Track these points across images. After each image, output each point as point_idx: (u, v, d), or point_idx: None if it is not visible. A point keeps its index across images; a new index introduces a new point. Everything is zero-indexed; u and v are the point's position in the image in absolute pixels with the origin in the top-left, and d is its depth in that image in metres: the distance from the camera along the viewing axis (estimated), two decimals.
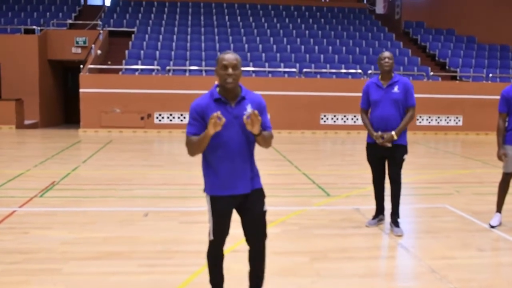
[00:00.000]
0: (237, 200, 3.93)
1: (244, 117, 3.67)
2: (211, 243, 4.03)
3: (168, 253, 5.63)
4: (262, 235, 4.06)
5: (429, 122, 20.16)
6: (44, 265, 5.20)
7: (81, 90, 18.68)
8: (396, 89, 6.26)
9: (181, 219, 7.00)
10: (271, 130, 3.94)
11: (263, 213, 4.01)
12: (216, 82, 3.89)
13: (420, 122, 20.01)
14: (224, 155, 3.81)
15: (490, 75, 21.49)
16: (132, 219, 6.96)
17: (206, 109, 3.77)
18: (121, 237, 6.15)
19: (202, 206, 4.10)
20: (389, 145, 6.22)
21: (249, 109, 3.79)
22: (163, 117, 19.02)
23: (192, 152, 3.84)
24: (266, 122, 3.89)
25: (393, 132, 6.19)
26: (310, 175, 10.40)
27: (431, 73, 21.03)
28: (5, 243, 5.86)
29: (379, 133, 6.29)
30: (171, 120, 19.01)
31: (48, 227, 6.53)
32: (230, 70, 3.71)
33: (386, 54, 6.32)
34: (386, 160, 6.45)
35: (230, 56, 3.75)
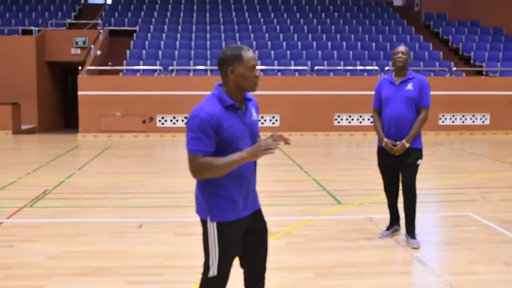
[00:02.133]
0: (248, 222, 3.53)
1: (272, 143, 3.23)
2: (212, 281, 3.46)
3: (159, 268, 5.50)
4: (264, 260, 3.72)
5: (453, 122, 19.84)
6: (26, 281, 5.14)
7: (79, 92, 18.61)
8: (409, 86, 6.04)
9: (177, 231, 6.86)
10: None
11: (266, 238, 3.71)
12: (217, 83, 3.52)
13: (443, 122, 19.70)
14: (237, 169, 3.36)
15: None
16: (124, 231, 6.84)
17: (220, 119, 3.27)
18: (111, 251, 6.04)
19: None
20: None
21: (254, 114, 3.51)
22: (166, 120, 18.90)
23: (211, 175, 3.30)
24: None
25: (404, 141, 5.97)
26: (320, 181, 10.19)
27: (454, 68, 20.72)
28: None
29: (389, 140, 6.08)
30: (174, 123, 18.87)
31: (35, 240, 6.45)
32: (258, 72, 3.36)
33: (400, 48, 6.10)
34: (399, 166, 6.21)
35: (253, 54, 3.34)
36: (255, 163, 3.52)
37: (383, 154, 6.23)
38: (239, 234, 3.47)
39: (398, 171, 6.24)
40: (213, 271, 3.44)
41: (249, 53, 3.33)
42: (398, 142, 5.99)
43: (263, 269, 3.72)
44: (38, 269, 5.43)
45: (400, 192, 6.33)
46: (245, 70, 3.31)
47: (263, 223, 3.66)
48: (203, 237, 3.48)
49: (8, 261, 5.66)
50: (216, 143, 3.29)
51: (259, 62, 20.16)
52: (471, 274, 5.35)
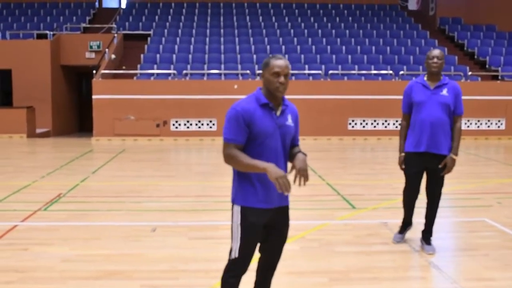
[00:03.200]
0: (268, 215, 3.80)
1: (292, 174, 3.67)
2: (233, 263, 3.78)
3: (174, 272, 5.50)
4: (281, 252, 3.99)
5: (468, 126, 19.70)
6: (41, 285, 5.16)
7: (94, 96, 18.68)
8: (445, 92, 5.95)
9: (191, 235, 6.86)
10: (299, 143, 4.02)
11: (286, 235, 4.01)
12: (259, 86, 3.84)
13: None
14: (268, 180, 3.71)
15: None
16: (138, 235, 6.86)
17: (254, 115, 3.69)
18: (125, 255, 6.06)
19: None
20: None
21: (289, 119, 3.85)
22: (179, 124, 18.92)
23: (234, 166, 3.73)
24: (297, 137, 4.00)
25: (452, 155, 5.91)
26: (334, 186, 10.17)
27: (470, 73, 20.58)
28: (2, 260, 5.82)
29: (402, 156, 6.10)
30: (188, 127, 18.90)
31: (49, 243, 6.49)
32: (282, 79, 3.69)
33: (435, 52, 5.93)
34: (425, 173, 6.13)
35: (282, 63, 3.70)
36: (280, 162, 3.78)
37: (413, 158, 6.08)
38: (260, 222, 3.76)
39: (423, 176, 6.17)
40: (234, 253, 3.77)
41: (276, 61, 3.69)
42: (446, 159, 5.93)
43: (277, 260, 3.99)
44: (53, 273, 5.44)
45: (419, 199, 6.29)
46: (269, 75, 3.70)
47: (287, 220, 3.95)
48: (231, 218, 3.84)
49: (23, 264, 5.68)
50: (247, 135, 3.68)
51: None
52: (486, 280, 5.32)
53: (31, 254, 6.04)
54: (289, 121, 3.84)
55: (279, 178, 3.48)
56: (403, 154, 6.12)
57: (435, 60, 5.90)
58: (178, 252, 6.10)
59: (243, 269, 3.80)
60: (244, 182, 3.77)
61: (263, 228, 3.81)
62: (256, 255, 3.90)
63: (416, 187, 6.25)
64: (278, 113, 3.79)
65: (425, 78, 6.08)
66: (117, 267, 5.62)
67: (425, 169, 6.10)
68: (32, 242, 6.49)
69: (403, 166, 6.15)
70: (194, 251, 6.16)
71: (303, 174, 3.63)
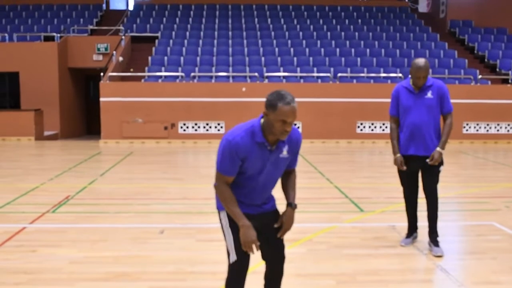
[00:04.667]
0: (254, 219, 3.87)
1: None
2: (233, 266, 3.83)
3: (182, 274, 5.56)
4: (284, 252, 4.05)
5: (477, 130, 19.69)
6: (49, 286, 5.21)
7: (101, 99, 18.79)
8: (429, 94, 6.07)
9: (199, 237, 6.92)
10: (295, 167, 4.05)
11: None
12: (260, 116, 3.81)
13: (467, 130, 19.57)
14: (249, 191, 3.86)
15: None
16: (146, 237, 6.91)
17: (248, 152, 3.67)
18: (133, 256, 6.11)
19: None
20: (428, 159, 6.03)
21: (284, 152, 3.80)
22: (187, 127, 19.00)
23: (219, 197, 3.83)
24: (294, 161, 4.00)
25: (439, 149, 6.01)
26: (342, 189, 10.21)
27: (480, 76, 20.57)
28: (11, 262, 5.88)
29: (400, 157, 6.17)
30: (196, 130, 18.97)
31: (57, 245, 6.54)
32: (288, 128, 3.61)
33: (422, 72, 5.96)
34: (419, 173, 6.25)
35: (291, 109, 3.57)
36: (268, 186, 3.92)
37: (405, 160, 6.22)
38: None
39: (418, 178, 6.28)
40: (232, 256, 3.83)
41: (286, 108, 3.55)
42: (433, 152, 6.02)
43: (280, 266, 4.07)
44: (61, 274, 5.50)
45: (420, 200, 6.36)
46: (275, 120, 3.58)
47: (276, 220, 4.00)
48: (220, 226, 3.97)
49: (31, 266, 5.74)
50: (239, 168, 3.73)
51: (281, 68, 20.22)
52: (494, 284, 5.34)
53: (40, 256, 6.09)
54: (284, 153, 3.80)
55: (247, 243, 3.68)
56: (398, 155, 6.21)
57: (422, 80, 6.02)
58: (186, 254, 6.15)
59: (244, 270, 3.84)
60: None
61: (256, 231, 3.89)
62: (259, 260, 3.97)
63: (412, 188, 6.38)
64: (273, 148, 3.76)
65: (411, 82, 6.19)
66: (125, 268, 5.67)
67: (418, 170, 6.23)
68: (40, 244, 6.54)
69: (404, 167, 6.21)
70: (202, 253, 6.22)
71: (286, 232, 3.89)
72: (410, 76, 6.17)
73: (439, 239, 6.27)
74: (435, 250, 6.16)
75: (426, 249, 6.35)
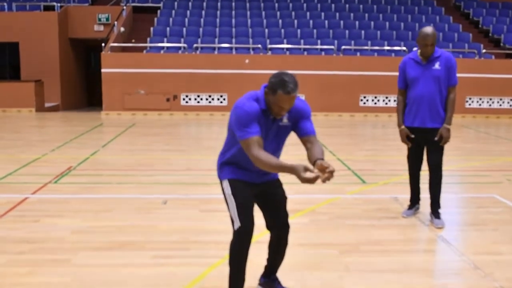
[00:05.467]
0: (257, 187, 3.98)
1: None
2: (238, 232, 3.87)
3: (185, 243, 5.61)
4: (287, 220, 4.10)
5: (480, 105, 19.68)
6: (52, 255, 5.22)
7: (103, 70, 18.77)
8: (437, 65, 6.04)
9: (202, 207, 6.98)
10: (315, 133, 3.91)
11: (286, 198, 4.10)
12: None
13: (469, 105, 19.56)
14: (251, 161, 3.80)
15: None
16: (149, 207, 6.96)
17: (258, 118, 3.74)
18: (136, 226, 6.15)
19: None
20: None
21: (284, 120, 3.85)
22: (190, 99, 19.00)
23: (261, 167, 3.65)
24: (309, 128, 3.88)
25: (446, 125, 6.04)
26: (345, 161, 10.25)
27: (484, 51, 20.50)
28: (14, 231, 5.91)
29: (405, 129, 6.21)
30: (198, 102, 18.98)
31: (60, 215, 6.57)
32: (284, 112, 3.73)
33: (430, 39, 5.94)
34: (424, 146, 6.28)
35: (289, 99, 3.62)
36: (276, 150, 3.92)
37: (410, 132, 6.25)
38: (248, 190, 3.96)
39: (423, 150, 6.32)
40: (236, 223, 3.87)
41: (284, 97, 3.60)
42: (441, 129, 6.04)
43: (285, 233, 4.13)
44: (64, 243, 5.53)
45: (423, 173, 6.40)
46: (272, 103, 3.69)
47: (279, 189, 4.10)
48: (223, 195, 4.04)
49: (34, 236, 5.77)
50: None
51: (285, 40, 20.16)
52: (494, 254, 5.40)
53: (42, 225, 6.12)
54: (284, 121, 3.86)
55: (303, 180, 3.34)
56: (403, 127, 6.25)
57: (429, 47, 5.99)
58: (189, 224, 6.21)
59: (248, 236, 3.86)
60: (231, 164, 4.04)
61: (255, 197, 4.01)
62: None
63: (417, 160, 6.41)
64: (274, 118, 3.84)
65: (418, 54, 6.18)
66: (129, 238, 5.72)
67: (423, 142, 6.25)
68: (43, 214, 6.57)
69: (409, 143, 6.26)
70: (205, 223, 6.28)
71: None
72: (417, 47, 6.15)
73: (440, 211, 6.33)
74: (437, 222, 6.22)
75: (428, 220, 6.41)
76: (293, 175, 3.38)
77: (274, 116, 3.76)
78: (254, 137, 3.65)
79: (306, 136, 3.85)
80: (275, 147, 3.93)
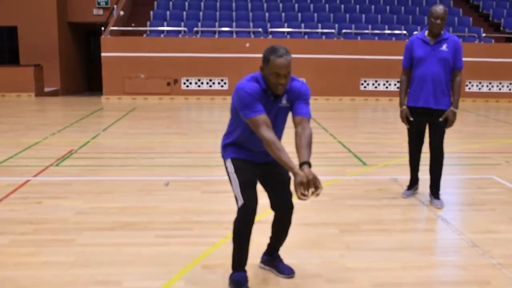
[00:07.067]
0: (260, 167, 4.04)
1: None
2: (242, 209, 3.90)
3: (188, 223, 5.67)
4: (291, 200, 4.13)
5: (479, 89, 19.72)
6: (56, 236, 5.28)
7: (102, 54, 18.75)
8: (444, 47, 6.06)
9: (204, 189, 7.04)
10: (309, 116, 3.93)
11: (289, 178, 4.09)
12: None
13: (469, 88, 19.60)
14: (255, 142, 3.94)
15: None
16: (151, 189, 7.01)
17: (259, 98, 3.80)
18: (139, 207, 6.21)
19: (227, 176, 4.08)
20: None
21: (284, 101, 3.91)
22: (190, 83, 19.02)
23: (268, 149, 3.74)
24: (304, 109, 3.92)
25: (453, 108, 6.08)
26: (345, 143, 10.33)
27: (484, 35, 20.50)
28: (17, 213, 5.96)
29: (406, 109, 6.27)
30: (199, 86, 18.99)
31: (63, 197, 6.63)
32: (282, 80, 3.73)
33: (440, 12, 5.98)
34: (426, 126, 6.34)
35: (283, 62, 3.69)
36: (275, 132, 3.88)
37: (412, 113, 6.30)
38: (251, 168, 4.03)
39: (424, 131, 6.39)
40: (240, 200, 3.91)
41: (277, 60, 3.68)
42: (447, 112, 6.09)
43: (288, 213, 4.18)
44: (67, 224, 5.58)
45: (424, 155, 6.48)
46: (269, 74, 3.75)
47: (283, 169, 4.01)
48: (227, 175, 4.09)
49: (37, 217, 5.82)
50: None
51: (285, 24, 20.14)
52: (492, 233, 5.49)
53: (45, 207, 6.17)
54: (283, 102, 3.92)
55: (297, 190, 3.55)
56: (404, 107, 6.30)
57: (439, 21, 5.99)
58: (191, 205, 6.28)
59: (251, 214, 3.90)
60: (233, 144, 4.12)
61: (259, 177, 4.09)
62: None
63: (418, 141, 6.47)
64: (274, 97, 3.90)
65: (426, 34, 6.20)
66: (131, 218, 5.78)
67: (426, 123, 6.31)
68: (45, 196, 6.62)
69: (407, 124, 6.33)
70: (207, 204, 6.35)
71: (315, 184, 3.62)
72: (426, 26, 6.18)
73: (440, 191, 6.41)
74: (436, 202, 6.30)
75: (427, 200, 6.50)
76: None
77: (273, 91, 3.80)
78: (260, 116, 3.73)
79: (299, 117, 3.89)
80: (275, 130, 3.93)
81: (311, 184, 3.56)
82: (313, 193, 3.58)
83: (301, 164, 3.65)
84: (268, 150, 3.72)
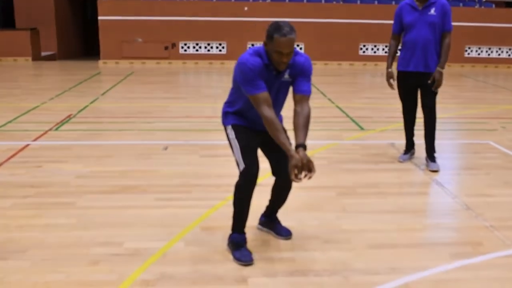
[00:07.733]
0: (261, 135, 4.10)
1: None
2: (243, 174, 3.98)
3: (187, 186, 5.76)
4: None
5: (479, 54, 19.72)
6: (57, 198, 5.35)
7: (99, 17, 18.67)
8: (432, 11, 6.15)
9: (202, 153, 7.12)
10: (309, 93, 3.98)
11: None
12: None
13: (468, 54, 19.60)
14: (257, 113, 3.93)
15: None
16: (150, 153, 7.09)
17: (261, 72, 3.85)
18: (138, 171, 6.29)
19: (225, 140, 4.16)
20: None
21: (286, 76, 3.95)
22: (188, 47, 18.97)
23: (267, 127, 3.83)
24: (305, 86, 3.96)
25: (439, 68, 6.16)
26: (344, 108, 10.41)
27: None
28: (17, 177, 6.03)
29: (391, 72, 6.46)
30: (197, 50, 18.96)
31: (63, 160, 6.69)
32: (285, 58, 3.77)
33: None
34: (418, 90, 6.45)
35: (286, 41, 3.70)
36: (274, 109, 3.95)
37: (403, 77, 6.43)
38: (250, 133, 4.13)
39: (417, 96, 6.48)
40: (241, 164, 4.00)
41: (281, 39, 3.69)
42: (434, 73, 6.17)
43: (289, 180, 4.17)
44: (68, 187, 5.67)
45: (418, 120, 6.58)
46: (272, 51, 3.78)
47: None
48: (227, 141, 4.19)
49: (38, 180, 5.90)
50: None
51: None
52: (486, 196, 5.61)
53: (45, 171, 6.25)
54: (285, 77, 3.96)
55: (291, 171, 3.68)
56: (390, 69, 6.48)
57: None
58: (190, 169, 6.36)
59: (253, 177, 3.97)
60: (235, 114, 4.19)
61: (260, 144, 4.17)
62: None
63: (411, 105, 6.60)
64: (277, 72, 3.93)
65: None
66: (131, 182, 5.87)
67: (417, 87, 6.43)
68: (45, 159, 6.69)
69: (391, 82, 6.51)
70: (206, 167, 6.43)
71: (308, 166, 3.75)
72: None
73: (436, 155, 6.52)
74: (432, 166, 6.42)
75: (423, 164, 6.60)
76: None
77: (276, 67, 3.85)
78: (261, 94, 3.80)
79: (299, 94, 3.94)
80: (276, 103, 4.02)
81: (305, 167, 3.70)
82: (306, 175, 3.74)
83: (297, 146, 3.77)
84: (267, 129, 3.81)
